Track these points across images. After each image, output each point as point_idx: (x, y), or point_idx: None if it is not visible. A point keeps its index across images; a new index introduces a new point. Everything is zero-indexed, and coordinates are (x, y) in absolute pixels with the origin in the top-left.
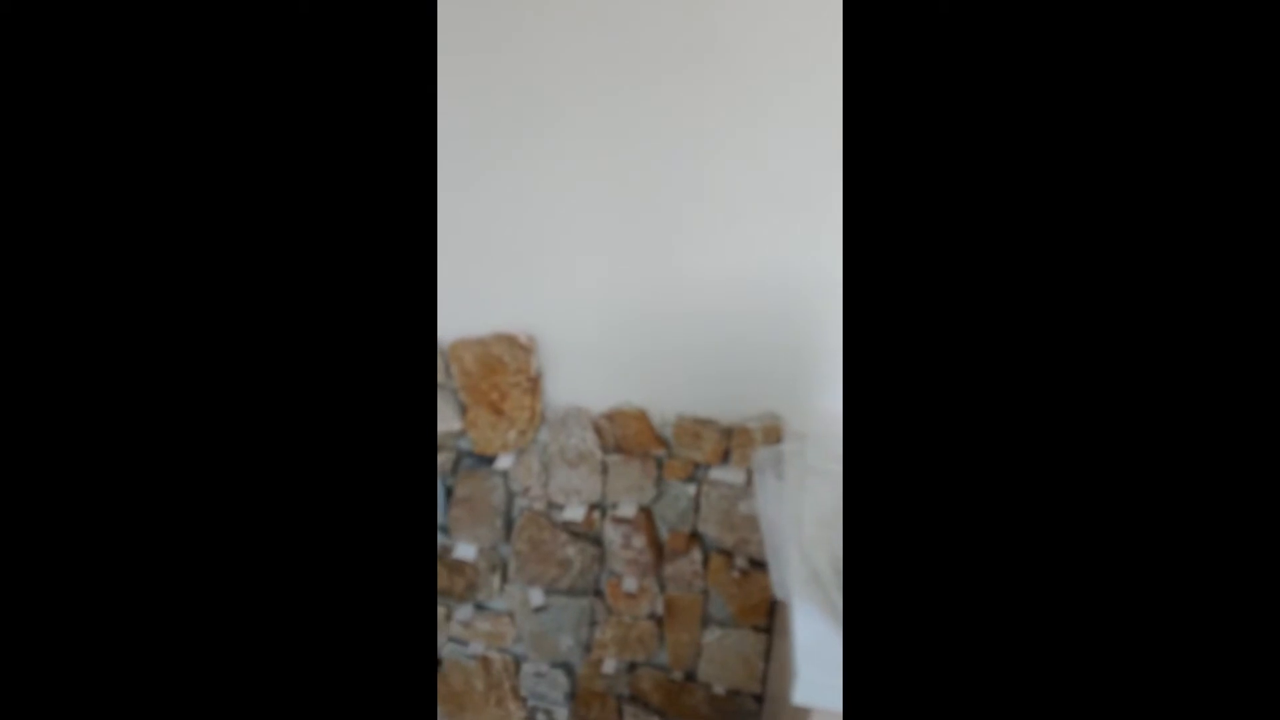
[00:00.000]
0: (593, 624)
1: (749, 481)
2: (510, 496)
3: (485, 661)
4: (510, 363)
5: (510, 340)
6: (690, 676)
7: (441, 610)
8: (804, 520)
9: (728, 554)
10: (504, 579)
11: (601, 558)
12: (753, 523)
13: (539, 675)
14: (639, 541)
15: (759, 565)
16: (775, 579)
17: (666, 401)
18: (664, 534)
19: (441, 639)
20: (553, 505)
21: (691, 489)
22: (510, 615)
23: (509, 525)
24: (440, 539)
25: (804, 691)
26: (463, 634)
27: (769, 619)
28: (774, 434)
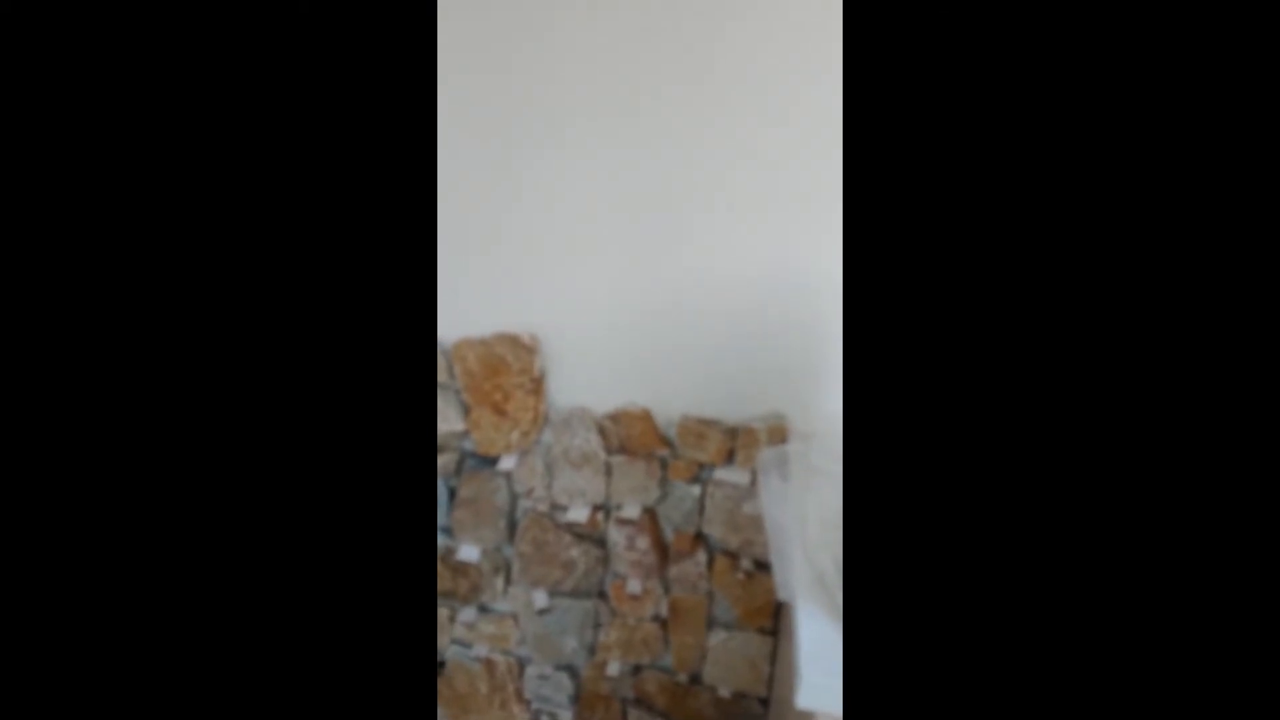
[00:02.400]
0: (597, 626)
1: (754, 482)
2: (514, 498)
3: (489, 664)
4: (513, 363)
5: (513, 340)
6: (695, 679)
7: (445, 612)
8: (808, 521)
9: (733, 555)
10: (508, 581)
11: (605, 559)
12: (758, 524)
13: (543, 678)
14: (643, 543)
15: (764, 567)
16: (779, 580)
17: (670, 402)
18: (669, 535)
19: (445, 641)
20: (556, 506)
21: (696, 490)
22: (514, 617)
23: (512, 527)
24: (443, 540)
25: (807, 695)
26: (466, 636)
27: (774, 621)
28: (779, 434)
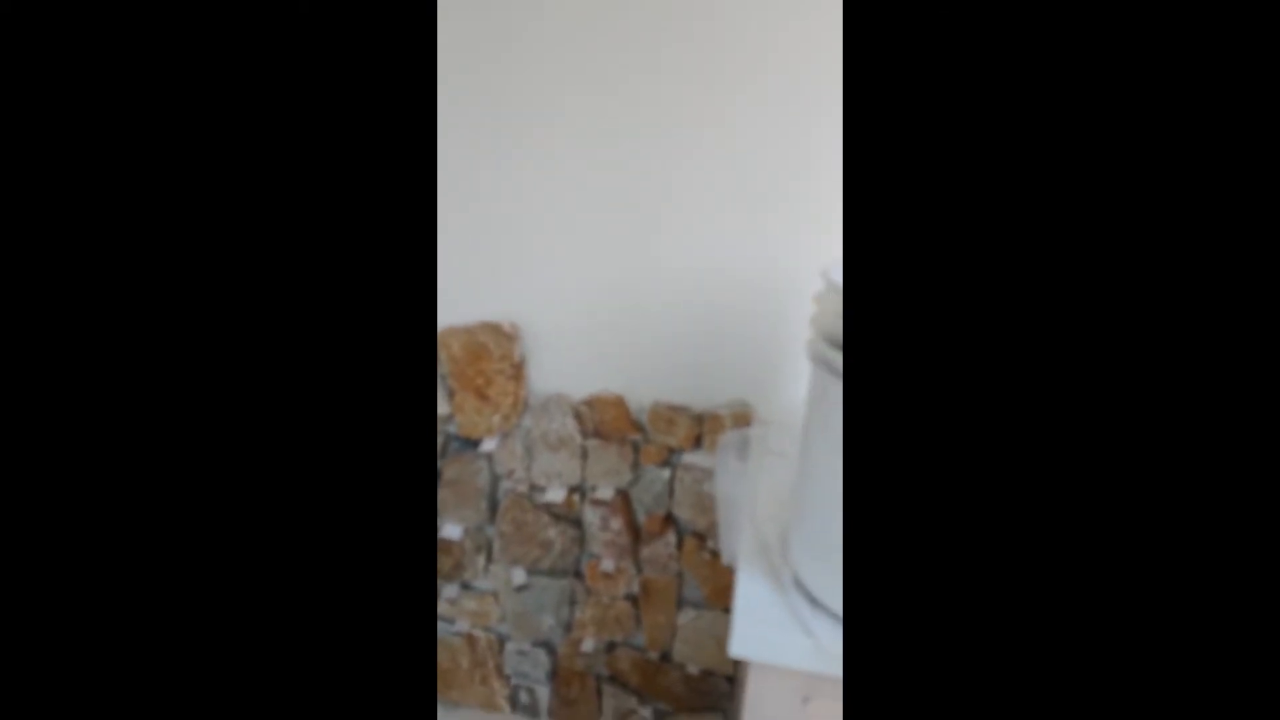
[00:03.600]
0: (572, 604)
1: None
2: (495, 479)
3: (470, 640)
4: (495, 350)
5: (495, 329)
6: (665, 657)
7: None
8: (759, 497)
9: (700, 536)
10: (489, 559)
11: (581, 539)
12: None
13: (522, 654)
14: (617, 524)
15: None
16: (725, 548)
17: (643, 389)
18: (640, 516)
19: None
20: (535, 488)
21: (666, 473)
22: (494, 595)
23: (493, 507)
24: None
25: (739, 645)
26: (449, 612)
27: None
28: (743, 420)
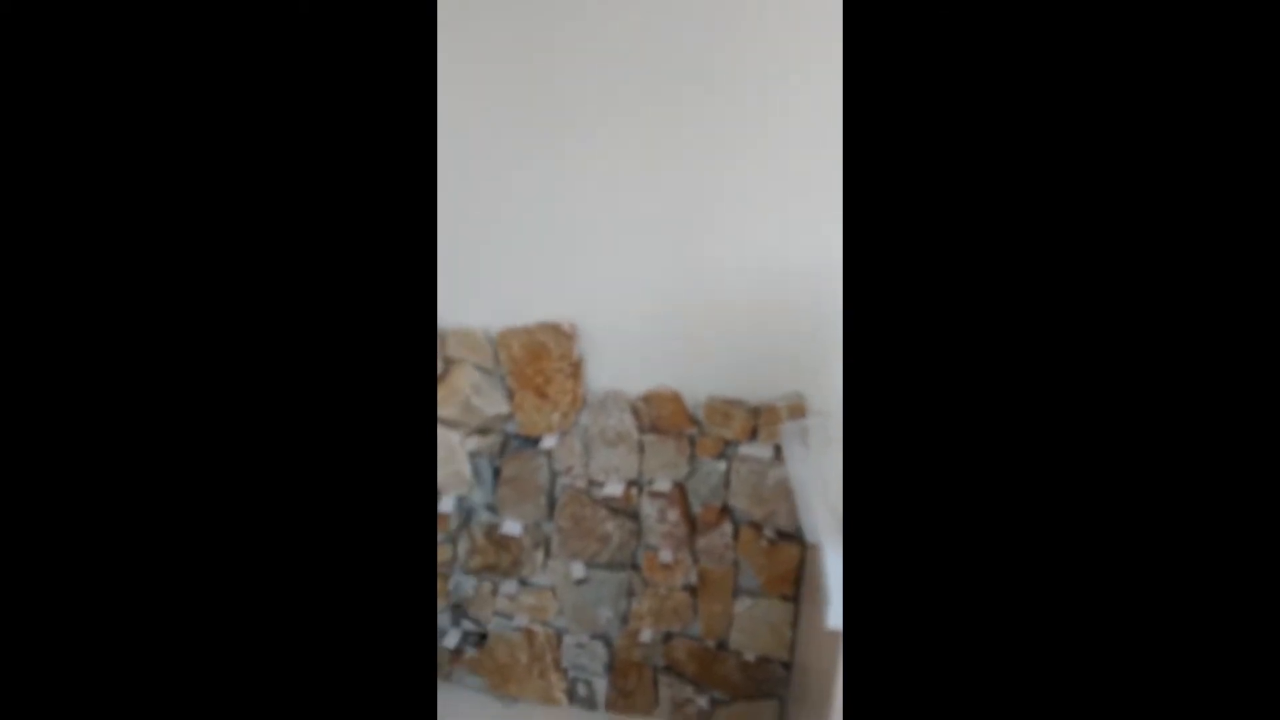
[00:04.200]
0: (630, 596)
1: (776, 456)
2: (553, 475)
3: (529, 634)
4: (554, 349)
5: (554, 329)
6: (722, 645)
7: (488, 586)
8: (829, 483)
9: (757, 526)
10: (547, 554)
11: (639, 532)
12: (780, 494)
13: (580, 647)
14: (674, 515)
15: (786, 536)
16: (806, 525)
17: (698, 384)
18: (697, 508)
19: (488, 613)
20: (593, 483)
21: (722, 465)
22: (553, 590)
23: (552, 503)
24: (488, 516)
25: (838, 616)
26: (508, 608)
27: (795, 588)
28: (798, 411)
